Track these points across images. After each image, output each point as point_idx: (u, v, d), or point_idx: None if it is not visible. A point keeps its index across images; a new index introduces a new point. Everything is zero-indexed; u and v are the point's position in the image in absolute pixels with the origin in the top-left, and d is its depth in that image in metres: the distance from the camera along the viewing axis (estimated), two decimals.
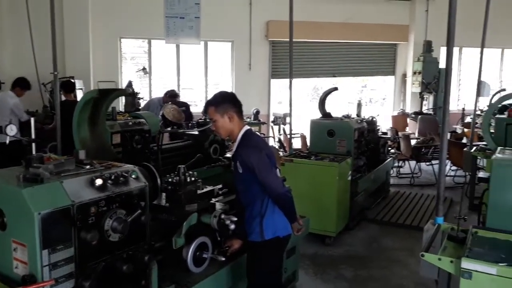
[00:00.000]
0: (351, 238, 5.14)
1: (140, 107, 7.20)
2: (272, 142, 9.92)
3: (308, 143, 6.12)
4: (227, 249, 2.72)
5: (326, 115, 5.86)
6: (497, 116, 6.62)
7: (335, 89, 6.21)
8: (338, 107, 9.83)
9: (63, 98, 6.19)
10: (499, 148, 3.16)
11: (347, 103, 11.91)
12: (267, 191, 2.57)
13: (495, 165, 2.61)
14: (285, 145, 8.48)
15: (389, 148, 7.05)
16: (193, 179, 2.65)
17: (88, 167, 2.21)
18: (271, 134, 10.08)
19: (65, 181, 2.00)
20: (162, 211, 2.61)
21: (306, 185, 4.90)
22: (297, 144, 9.01)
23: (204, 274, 2.61)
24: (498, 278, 2.05)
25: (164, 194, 2.67)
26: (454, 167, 7.76)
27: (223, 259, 2.61)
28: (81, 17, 8.94)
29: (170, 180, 2.61)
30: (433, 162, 8.51)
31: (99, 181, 2.08)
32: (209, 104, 2.64)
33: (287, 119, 7.43)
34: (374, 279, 4.11)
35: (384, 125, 10.64)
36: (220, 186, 3.26)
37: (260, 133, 9.16)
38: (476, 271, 2.10)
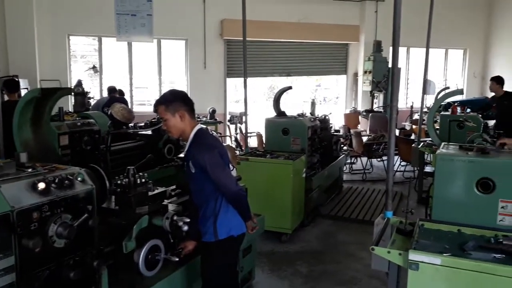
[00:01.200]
0: (306, 234, 5.22)
1: (90, 107, 6.96)
2: (228, 141, 9.91)
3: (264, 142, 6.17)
4: (180, 251, 2.67)
5: (280, 113, 5.91)
6: (442, 113, 6.97)
7: (289, 88, 6.28)
8: (294, 106, 9.98)
9: (6, 98, 5.85)
10: (443, 143, 3.31)
11: (302, 102, 12.13)
12: (220, 190, 2.55)
13: (439, 160, 2.73)
14: (241, 144, 8.48)
15: (342, 145, 7.23)
16: (143, 180, 2.58)
17: (29, 170, 2.10)
18: (227, 133, 10.06)
19: (3, 186, 1.89)
20: (111, 215, 2.53)
21: (262, 183, 4.93)
22: (254, 143, 9.05)
23: (157, 277, 2.56)
24: (442, 268, 2.14)
25: (113, 197, 2.58)
26: (403, 163, 8.07)
27: (177, 259, 2.56)
28: (25, 12, 8.51)
29: (119, 182, 2.53)
30: (384, 158, 8.83)
31: (41, 185, 1.98)
32: (159, 103, 2.58)
33: (244, 118, 7.46)
34: (329, 274, 4.19)
35: (337, 123, 10.91)
36: (173, 187, 3.20)
37: (217, 132, 9.12)
38: (422, 262, 2.18)
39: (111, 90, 8.29)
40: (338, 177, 7.06)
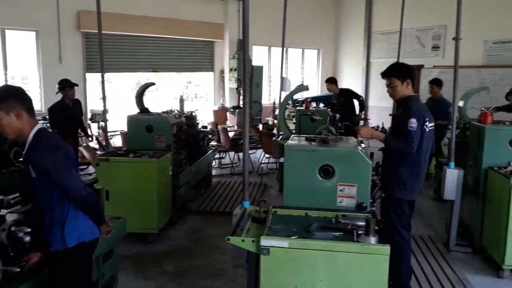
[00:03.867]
0: (174, 232, 5.18)
1: None
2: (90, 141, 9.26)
3: None
4: (24, 264, 2.41)
5: (144, 110, 5.75)
6: (298, 108, 7.56)
7: (152, 84, 6.14)
8: (165, 103, 9.79)
9: None
10: (292, 135, 3.59)
11: (173, 99, 11.95)
12: (67, 194, 2.36)
13: (287, 151, 2.95)
14: (103, 143, 8.00)
15: (210, 141, 7.34)
16: None
17: None
18: (89, 132, 9.38)
19: None
20: None
21: (126, 184, 4.74)
22: (119, 142, 8.63)
23: None
24: (290, 250, 2.33)
25: None
26: (267, 155, 8.54)
27: (18, 269, 2.29)
28: None
29: None
30: (251, 151, 9.23)
31: None
32: None
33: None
34: (196, 268, 4.23)
35: (207, 119, 11.05)
36: (16, 194, 2.87)
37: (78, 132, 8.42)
38: (272, 246, 2.34)
39: None
40: (207, 172, 7.16)
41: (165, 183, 5.10)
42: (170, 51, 11.66)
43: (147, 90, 6.15)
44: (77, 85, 6.41)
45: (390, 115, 7.73)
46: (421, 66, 12.90)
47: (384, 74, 3.52)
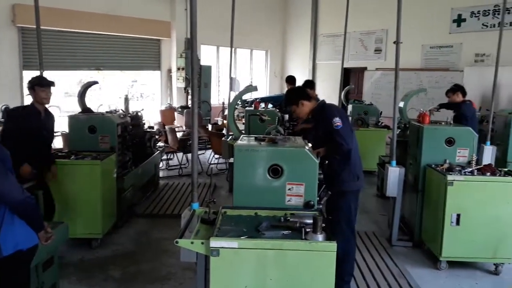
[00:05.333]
0: (120, 236, 5.01)
1: None
2: None
3: None
4: None
5: (86, 110, 5.50)
6: (247, 108, 7.58)
7: (95, 82, 5.90)
8: (109, 102, 9.41)
9: None
10: (242, 135, 3.58)
11: (117, 98, 11.56)
12: (3, 199, 2.20)
13: (236, 151, 2.93)
14: None
15: (156, 142, 7.17)
16: None
17: None
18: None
19: None
20: None
21: (67, 187, 4.53)
22: (59, 143, 8.21)
23: None
24: (240, 250, 2.32)
25: None
26: (217, 156, 8.50)
27: None
28: None
29: None
30: (200, 152, 9.14)
31: None
32: None
33: None
34: (143, 273, 4.11)
35: (154, 119, 10.80)
36: None
37: None
38: (222, 247, 2.31)
39: None
40: (154, 174, 6.98)
41: (109, 186, 4.91)
42: (114, 49, 11.28)
43: (89, 89, 5.89)
44: (53, 84, 4.36)
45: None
46: (365, 68, 13.44)
47: (285, 106, 3.80)
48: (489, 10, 10.60)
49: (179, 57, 11.37)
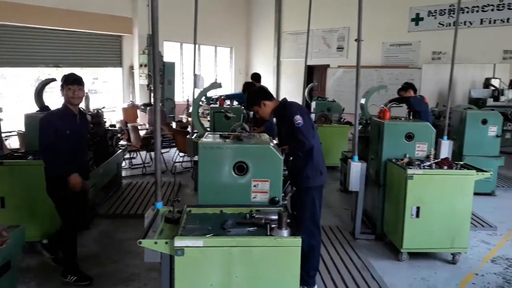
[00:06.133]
0: (82, 238, 4.84)
1: None
2: None
3: None
4: None
5: (43, 108, 5.29)
6: (212, 105, 7.53)
7: (53, 80, 5.68)
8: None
9: None
10: (206, 133, 3.55)
11: None
12: None
13: (201, 148, 2.91)
14: None
15: (119, 140, 7.00)
16: None
17: None
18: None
19: None
20: None
21: (24, 189, 4.35)
22: (15, 143, 7.90)
23: None
24: (205, 249, 2.30)
25: None
26: (181, 154, 8.39)
27: None
28: None
29: None
30: (163, 150, 9.02)
31: None
32: None
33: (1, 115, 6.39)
34: (106, 275, 4.00)
35: (116, 117, 10.55)
36: None
37: None
38: (187, 246, 2.29)
39: None
40: (116, 174, 6.82)
41: None
42: (73, 46, 10.91)
43: (47, 86, 5.67)
44: (80, 81, 3.76)
45: None
46: (327, 66, 13.66)
47: (248, 108, 3.81)
48: (445, 9, 11.03)
49: (142, 54, 11.16)
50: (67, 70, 11.63)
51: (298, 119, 3.43)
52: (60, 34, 10.52)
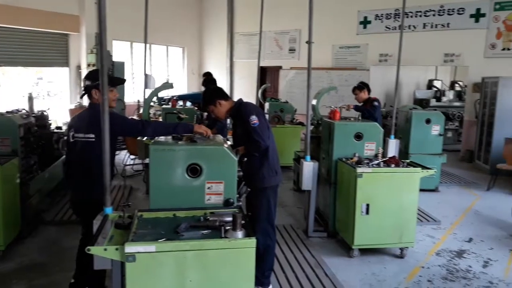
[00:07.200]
0: (25, 247, 4.60)
1: None
2: None
3: None
4: None
5: None
6: (164, 106, 7.39)
7: None
8: (12, 101, 8.58)
9: None
10: None
11: (21, 97, 10.59)
12: None
13: (152, 151, 2.84)
14: None
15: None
16: None
17: None
18: None
19: None
20: None
21: None
22: None
23: None
24: (157, 254, 2.24)
25: None
26: (132, 156, 8.17)
27: None
28: None
29: None
30: (116, 152, 8.72)
31: None
32: None
33: None
34: (53, 285, 3.82)
35: (62, 119, 10.09)
36: None
37: None
38: (138, 252, 2.22)
39: None
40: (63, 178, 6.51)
41: (11, 193, 4.49)
42: (16, 44, 10.35)
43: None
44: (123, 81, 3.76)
45: None
46: (280, 67, 13.82)
47: (203, 108, 3.88)
48: (391, 13, 11.48)
49: (90, 53, 10.76)
50: (9, 69, 11.00)
51: (254, 119, 3.44)
52: (3, 31, 9.95)
